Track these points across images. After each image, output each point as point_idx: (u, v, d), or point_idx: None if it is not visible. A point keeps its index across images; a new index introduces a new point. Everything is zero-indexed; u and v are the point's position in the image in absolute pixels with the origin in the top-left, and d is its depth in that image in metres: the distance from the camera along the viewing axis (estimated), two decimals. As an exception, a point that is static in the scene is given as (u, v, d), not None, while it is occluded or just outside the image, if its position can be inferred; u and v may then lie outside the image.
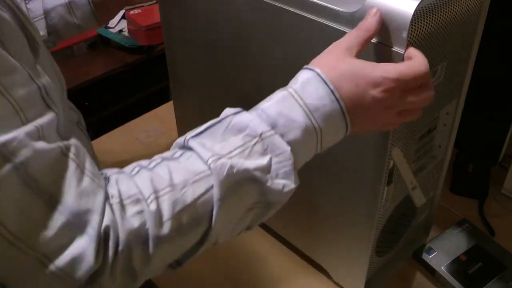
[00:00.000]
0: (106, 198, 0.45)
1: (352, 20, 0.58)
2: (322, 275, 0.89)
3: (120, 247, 0.43)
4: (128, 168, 0.49)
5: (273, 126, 0.49)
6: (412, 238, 0.91)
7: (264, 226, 0.96)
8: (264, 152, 0.48)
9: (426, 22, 0.56)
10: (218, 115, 0.51)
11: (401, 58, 0.56)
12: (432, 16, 0.57)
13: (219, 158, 0.47)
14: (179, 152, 0.49)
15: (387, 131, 0.61)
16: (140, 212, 0.44)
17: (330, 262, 0.85)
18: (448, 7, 0.59)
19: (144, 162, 0.49)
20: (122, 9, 0.87)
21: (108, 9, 0.86)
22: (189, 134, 0.50)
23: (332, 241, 0.85)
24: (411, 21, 0.53)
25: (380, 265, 0.83)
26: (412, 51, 0.53)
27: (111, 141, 1.23)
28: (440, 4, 0.57)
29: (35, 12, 0.81)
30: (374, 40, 0.57)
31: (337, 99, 0.50)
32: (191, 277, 0.90)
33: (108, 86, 1.79)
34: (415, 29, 0.55)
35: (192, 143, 0.49)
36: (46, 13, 0.81)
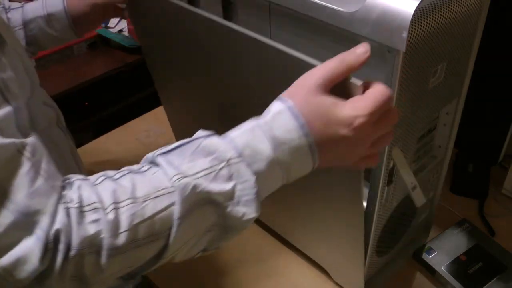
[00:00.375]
0: (62, 201, 0.44)
1: (352, 20, 0.58)
2: (322, 275, 0.89)
3: (71, 253, 0.43)
4: (93, 177, 0.48)
5: (241, 155, 0.49)
6: (412, 238, 0.91)
7: (264, 226, 0.96)
8: (229, 178, 0.48)
9: (426, 22, 0.56)
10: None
11: (400, 58, 0.56)
12: (432, 16, 0.57)
13: (184, 177, 0.47)
14: (147, 167, 0.49)
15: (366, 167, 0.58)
16: (97, 220, 0.44)
17: (330, 262, 0.85)
18: (448, 7, 0.59)
19: (110, 173, 0.49)
20: (101, 22, 0.87)
21: (86, 22, 0.86)
22: (158, 151, 0.50)
23: (332, 241, 0.85)
24: (411, 21, 0.53)
25: (380, 265, 0.83)
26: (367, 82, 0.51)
27: (111, 141, 1.23)
28: (440, 4, 0.57)
29: (14, 22, 0.82)
30: (374, 40, 0.57)
31: (305, 135, 0.49)
32: (191, 277, 0.90)
33: (108, 86, 1.79)
34: (415, 29, 0.55)
35: (160, 160, 0.49)
36: (25, 24, 0.82)
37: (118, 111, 1.79)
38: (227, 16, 0.82)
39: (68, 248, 0.43)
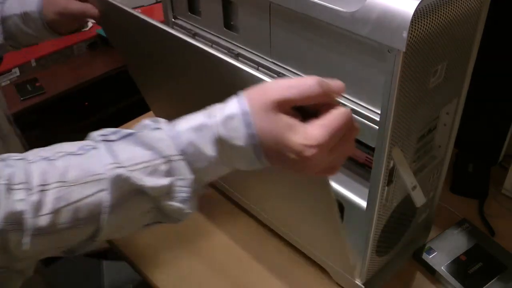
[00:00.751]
0: None
1: (352, 20, 0.58)
2: (322, 275, 0.89)
3: None
4: (31, 155, 0.48)
5: (183, 153, 0.49)
6: (412, 238, 0.91)
7: (264, 226, 0.96)
8: (167, 174, 0.48)
9: (426, 22, 0.56)
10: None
11: (400, 58, 0.56)
12: (432, 16, 0.57)
13: (120, 167, 0.47)
14: (86, 148, 0.49)
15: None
16: (22, 200, 0.45)
17: (330, 262, 0.85)
18: (448, 7, 0.59)
19: (48, 152, 0.49)
20: (75, 27, 0.86)
21: (59, 27, 0.86)
22: (103, 133, 0.50)
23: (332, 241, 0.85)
24: (411, 21, 0.53)
25: (380, 265, 0.83)
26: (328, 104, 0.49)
27: (111, 141, 1.22)
28: (440, 4, 0.57)
29: None
30: (374, 40, 0.58)
31: (254, 145, 0.48)
32: (191, 277, 0.90)
33: (108, 86, 1.79)
34: (415, 29, 0.55)
35: (101, 144, 0.49)
36: (3, 20, 0.83)
37: (118, 111, 1.79)
38: (227, 16, 0.82)
39: None
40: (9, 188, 0.45)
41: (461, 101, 0.76)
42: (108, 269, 1.90)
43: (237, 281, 0.89)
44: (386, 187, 0.69)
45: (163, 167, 0.48)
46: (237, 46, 0.82)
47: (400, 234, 0.84)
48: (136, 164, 0.48)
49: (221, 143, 0.49)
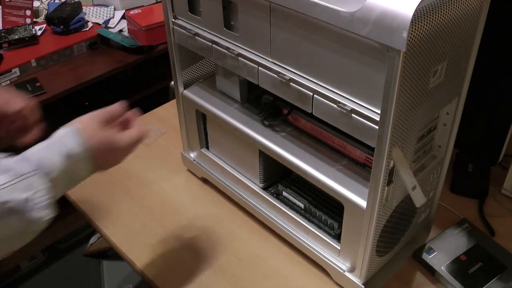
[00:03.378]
0: None
1: (352, 20, 0.58)
2: (322, 275, 0.89)
3: None
4: None
5: (38, 167, 0.60)
6: (412, 238, 0.91)
7: (265, 226, 0.96)
8: (26, 189, 0.58)
9: (426, 22, 0.56)
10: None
11: (401, 58, 0.56)
12: (432, 16, 0.57)
13: None
14: None
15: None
16: None
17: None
18: (448, 7, 0.59)
19: None
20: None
21: None
22: None
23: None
24: (412, 21, 0.53)
25: (380, 265, 0.83)
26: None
27: (111, 141, 1.22)
28: (440, 4, 0.57)
29: None
30: (374, 40, 0.57)
31: (85, 149, 0.65)
32: (191, 277, 0.90)
33: (108, 86, 1.79)
34: (415, 29, 0.55)
35: None
36: None
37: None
38: (227, 16, 0.82)
39: None
40: None
41: (461, 101, 0.76)
42: (108, 269, 1.90)
43: (237, 281, 0.89)
44: (386, 187, 0.69)
45: (20, 185, 0.58)
46: (237, 46, 0.82)
47: (400, 234, 0.84)
48: (1, 184, 0.56)
49: (65, 152, 0.63)
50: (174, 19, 0.92)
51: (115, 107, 0.74)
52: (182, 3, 0.89)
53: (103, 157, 0.69)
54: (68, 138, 0.66)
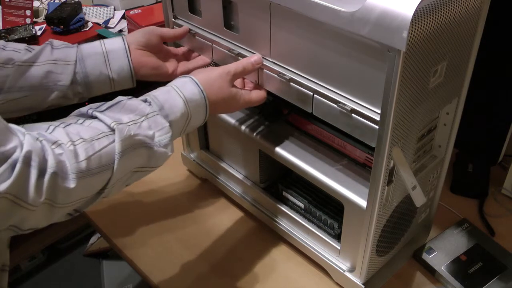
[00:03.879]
0: (26, 136, 0.54)
1: (352, 20, 0.58)
2: (322, 275, 0.89)
3: (48, 170, 0.54)
4: (42, 128, 0.58)
5: (161, 109, 0.67)
6: (412, 238, 0.91)
7: (265, 227, 0.96)
8: (149, 127, 0.65)
9: (426, 22, 0.56)
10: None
11: (401, 58, 0.56)
12: (432, 16, 0.57)
13: (120, 124, 0.62)
14: (82, 119, 0.62)
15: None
16: (61, 154, 0.56)
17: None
18: (448, 7, 0.59)
19: (55, 123, 0.60)
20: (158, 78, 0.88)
21: (145, 65, 0.85)
22: (91, 108, 0.64)
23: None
24: (412, 21, 0.53)
25: (380, 265, 0.83)
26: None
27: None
28: (440, 4, 0.57)
29: (65, 57, 0.79)
30: (374, 40, 0.57)
31: (204, 97, 0.72)
32: (191, 276, 0.90)
33: (108, 86, 1.78)
34: (415, 28, 0.55)
35: (96, 114, 0.63)
36: (79, 60, 0.80)
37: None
38: (227, 16, 0.82)
39: (43, 166, 0.54)
40: (50, 143, 0.55)
41: (461, 101, 0.76)
42: (108, 269, 1.90)
43: (237, 281, 0.89)
44: (386, 187, 0.69)
45: (145, 123, 0.65)
46: (237, 46, 0.82)
47: (400, 234, 0.84)
48: (127, 122, 0.63)
49: (185, 98, 0.70)
50: (174, 19, 0.92)
51: (249, 65, 0.78)
52: (182, 3, 0.89)
53: (218, 107, 0.76)
54: (189, 85, 0.72)
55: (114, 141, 0.61)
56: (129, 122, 0.63)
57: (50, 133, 0.57)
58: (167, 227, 1.00)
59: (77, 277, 1.93)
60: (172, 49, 0.91)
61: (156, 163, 0.67)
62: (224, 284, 0.88)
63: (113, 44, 0.82)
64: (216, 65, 0.85)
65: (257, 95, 0.80)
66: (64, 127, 0.59)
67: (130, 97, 0.67)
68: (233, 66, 0.77)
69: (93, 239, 1.99)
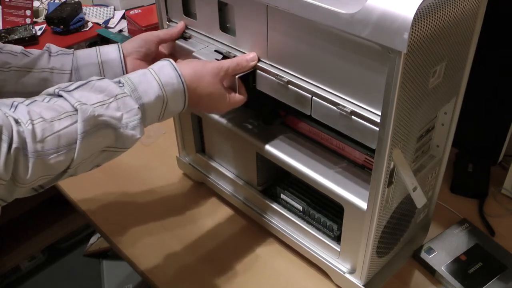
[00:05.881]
0: None
1: (352, 21, 0.58)
2: (322, 277, 0.89)
3: (13, 145, 0.54)
4: (6, 104, 0.58)
5: (133, 90, 0.66)
6: (411, 238, 0.91)
7: (264, 230, 0.96)
8: (118, 109, 0.64)
9: (427, 23, 0.56)
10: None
11: (402, 59, 0.56)
12: (432, 17, 0.57)
13: (84, 104, 0.61)
14: (48, 98, 0.61)
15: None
16: (22, 131, 0.55)
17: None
18: (448, 7, 0.59)
19: (19, 99, 0.60)
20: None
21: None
22: (59, 87, 0.63)
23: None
24: (413, 22, 0.53)
25: (380, 265, 0.83)
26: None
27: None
28: (440, 4, 0.57)
29: (62, 66, 0.81)
30: (374, 42, 0.57)
31: (182, 82, 0.70)
32: (191, 277, 0.90)
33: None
34: (416, 30, 0.55)
35: (62, 93, 0.62)
36: (75, 70, 0.81)
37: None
38: (223, 19, 0.82)
39: (10, 140, 0.54)
40: (14, 119, 0.55)
41: (459, 100, 0.76)
42: (108, 269, 1.90)
43: (237, 283, 0.89)
44: (387, 189, 0.69)
45: (114, 104, 0.63)
46: (233, 48, 0.81)
47: (400, 234, 0.84)
48: (95, 103, 0.62)
49: (160, 81, 0.69)
50: (168, 21, 0.92)
51: (244, 62, 0.77)
52: (176, 6, 0.88)
53: (202, 102, 0.75)
54: (166, 69, 0.71)
55: (76, 121, 0.60)
56: (96, 102, 0.62)
57: (14, 111, 0.57)
58: (167, 228, 1.00)
59: (77, 277, 1.93)
60: (168, 51, 0.91)
61: (123, 144, 0.66)
62: (223, 285, 0.88)
63: (109, 54, 0.83)
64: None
65: (240, 98, 0.80)
66: (27, 105, 0.59)
67: (102, 77, 0.67)
68: (227, 62, 0.76)
69: (93, 239, 1.99)
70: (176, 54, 0.90)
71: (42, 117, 0.57)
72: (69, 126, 0.59)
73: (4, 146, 0.53)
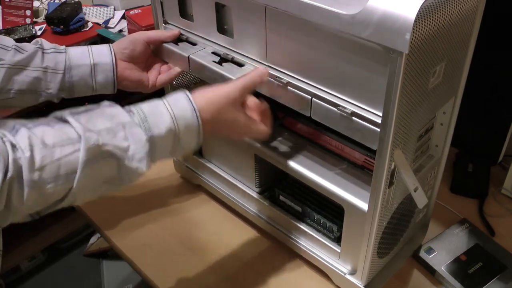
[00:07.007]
0: None
1: (353, 22, 0.58)
2: (323, 279, 0.89)
3: (8, 174, 0.51)
4: (8, 126, 0.56)
5: (143, 121, 0.62)
6: (411, 238, 0.91)
7: (264, 232, 0.96)
8: (125, 138, 0.60)
9: (428, 23, 0.56)
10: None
11: (403, 60, 0.56)
12: (433, 17, 0.57)
13: (89, 131, 0.57)
14: (54, 121, 0.59)
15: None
16: (19, 158, 0.53)
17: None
18: (448, 7, 0.59)
19: (23, 121, 0.57)
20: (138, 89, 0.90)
21: (129, 76, 0.87)
22: (67, 111, 0.60)
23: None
24: (414, 23, 0.53)
25: (381, 266, 0.83)
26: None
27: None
28: (440, 4, 0.57)
29: (55, 65, 0.80)
30: (375, 42, 0.58)
31: (197, 116, 0.66)
32: (191, 277, 0.90)
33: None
34: (417, 30, 0.54)
35: (69, 118, 0.58)
36: (68, 70, 0.81)
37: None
38: (220, 20, 0.81)
39: (5, 168, 0.51)
40: (12, 144, 0.53)
41: (457, 100, 0.76)
42: (108, 269, 1.90)
43: (237, 283, 0.89)
44: (387, 189, 0.69)
45: (121, 133, 0.60)
46: (231, 50, 0.81)
47: (400, 234, 0.85)
48: (101, 130, 0.58)
49: (173, 114, 0.64)
50: (165, 23, 0.91)
51: (258, 78, 0.73)
52: (173, 8, 0.87)
53: (219, 128, 0.70)
54: (181, 101, 0.66)
55: (79, 149, 0.56)
56: (103, 129, 0.59)
57: (14, 135, 0.54)
58: (166, 228, 1.00)
59: (77, 277, 1.93)
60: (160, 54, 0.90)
61: (127, 177, 0.62)
62: (223, 285, 0.88)
63: (101, 57, 0.83)
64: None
65: (265, 128, 0.75)
66: (30, 128, 0.56)
67: (113, 103, 0.63)
68: (241, 83, 0.71)
69: (93, 239, 1.99)
70: (166, 57, 0.89)
71: (44, 142, 0.55)
72: (70, 154, 0.56)
73: None
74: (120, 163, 0.60)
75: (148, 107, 0.64)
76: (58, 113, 0.60)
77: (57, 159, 0.55)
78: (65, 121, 0.59)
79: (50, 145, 0.55)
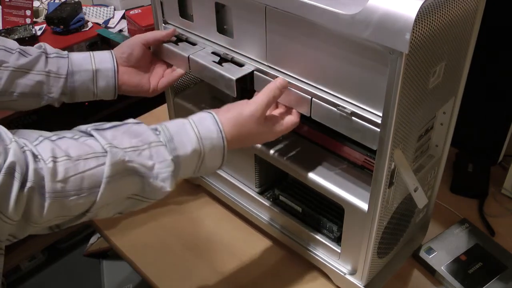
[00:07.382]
0: (13, 145, 0.51)
1: (353, 22, 0.58)
2: (323, 279, 0.89)
3: (27, 184, 0.51)
4: (31, 137, 0.55)
5: (169, 140, 0.62)
6: (410, 238, 0.91)
7: (264, 232, 0.96)
8: (150, 157, 0.60)
9: (428, 23, 0.56)
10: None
11: (403, 60, 0.56)
12: (433, 17, 0.57)
13: (115, 147, 0.57)
14: (78, 135, 0.58)
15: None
16: (41, 168, 0.52)
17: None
18: (448, 7, 0.59)
19: (47, 133, 0.57)
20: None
21: (129, 82, 0.87)
22: (92, 126, 0.60)
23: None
24: (414, 23, 0.53)
25: (381, 266, 0.83)
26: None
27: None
28: (440, 4, 0.57)
29: (58, 70, 0.81)
30: (375, 42, 0.58)
31: (222, 138, 0.67)
32: (191, 277, 0.90)
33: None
34: (417, 30, 0.55)
35: (93, 132, 0.59)
36: (70, 75, 0.81)
37: (118, 111, 1.79)
38: (220, 20, 0.81)
39: (23, 178, 0.50)
40: (33, 154, 0.52)
41: (457, 100, 0.76)
42: (108, 269, 1.90)
43: (237, 283, 0.89)
44: (388, 189, 0.69)
45: (146, 152, 0.60)
46: (231, 50, 0.81)
47: (400, 234, 0.85)
48: (127, 147, 0.59)
49: (199, 133, 0.65)
50: (165, 24, 0.91)
51: (277, 91, 0.72)
52: (173, 8, 0.87)
53: (246, 142, 0.71)
54: (207, 121, 0.67)
55: (104, 163, 0.56)
56: (129, 147, 0.59)
57: (37, 144, 0.54)
58: (166, 228, 1.00)
59: (77, 277, 1.93)
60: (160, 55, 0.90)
61: (151, 195, 0.62)
62: (223, 285, 0.89)
63: (103, 63, 0.83)
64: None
65: (291, 121, 0.74)
66: (54, 140, 0.55)
67: (139, 121, 0.63)
68: (263, 99, 0.71)
69: (93, 239, 1.99)
70: (166, 58, 0.89)
71: (68, 155, 0.54)
72: (95, 167, 0.55)
73: (16, 184, 0.50)
74: (145, 181, 0.60)
75: (174, 126, 0.65)
76: (83, 127, 0.60)
77: (81, 172, 0.54)
78: (90, 135, 0.59)
79: (74, 158, 0.54)
